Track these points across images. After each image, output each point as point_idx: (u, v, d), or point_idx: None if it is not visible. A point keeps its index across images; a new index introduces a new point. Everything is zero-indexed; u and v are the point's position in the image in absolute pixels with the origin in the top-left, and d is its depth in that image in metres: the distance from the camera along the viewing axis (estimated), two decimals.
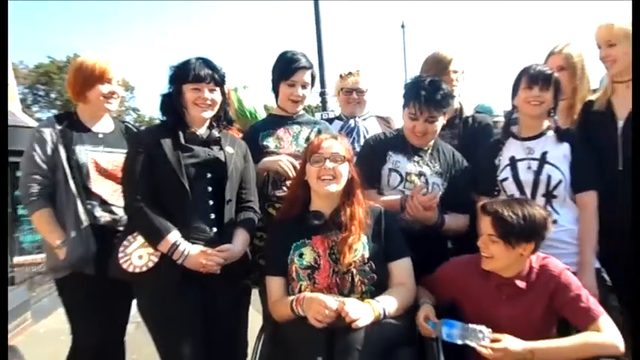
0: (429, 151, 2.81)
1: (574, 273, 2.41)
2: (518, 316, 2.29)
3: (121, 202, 2.62)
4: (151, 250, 2.42)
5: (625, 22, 2.64)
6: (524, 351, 2.14)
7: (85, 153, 2.73)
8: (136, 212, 2.43)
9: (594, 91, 3.09)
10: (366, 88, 3.55)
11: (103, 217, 2.72)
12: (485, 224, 2.27)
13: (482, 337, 2.15)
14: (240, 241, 2.56)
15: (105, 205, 2.73)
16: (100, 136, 2.83)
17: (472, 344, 2.15)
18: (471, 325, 2.18)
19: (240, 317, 2.76)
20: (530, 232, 2.24)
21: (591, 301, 2.25)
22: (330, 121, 3.60)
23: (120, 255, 2.44)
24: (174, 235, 2.39)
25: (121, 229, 2.63)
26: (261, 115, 3.49)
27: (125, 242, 2.46)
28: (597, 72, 3.13)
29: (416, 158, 2.79)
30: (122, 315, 2.89)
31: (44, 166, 2.67)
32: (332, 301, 2.15)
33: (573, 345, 2.18)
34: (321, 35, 11.51)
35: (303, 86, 2.98)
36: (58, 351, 2.95)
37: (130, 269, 2.42)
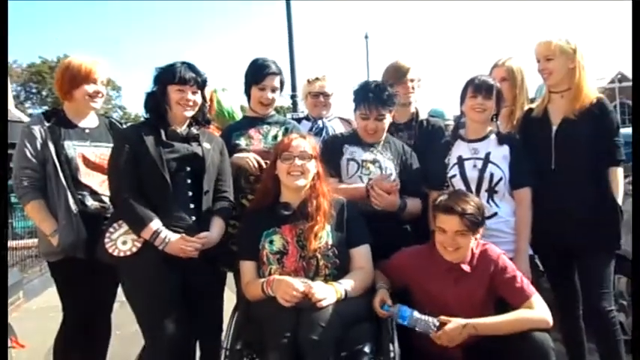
0: (381, 143, 2.84)
1: (511, 259, 2.47)
2: (463, 297, 2.34)
3: (108, 191, 2.60)
4: (134, 236, 2.41)
5: (561, 38, 2.70)
6: (467, 327, 2.19)
7: (73, 148, 2.68)
8: (121, 202, 2.42)
9: (532, 100, 3.16)
10: (331, 91, 3.56)
11: (94, 205, 2.67)
12: (453, 223, 2.28)
13: (430, 327, 2.21)
14: (216, 228, 2.55)
15: (95, 194, 2.69)
16: (87, 131, 2.78)
17: (421, 330, 2.22)
18: (421, 316, 2.23)
19: (216, 296, 2.75)
20: (483, 218, 2.37)
21: (525, 282, 2.32)
22: (299, 120, 3.59)
23: (106, 240, 2.42)
24: (155, 224, 2.38)
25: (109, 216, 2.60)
26: (238, 114, 3.47)
27: (111, 229, 2.44)
28: (534, 82, 3.21)
29: (370, 149, 2.82)
30: (108, 294, 2.85)
31: (34, 161, 2.62)
32: (299, 283, 2.17)
33: (510, 320, 2.24)
34: (293, 44, 11.50)
35: (273, 90, 2.97)
36: (48, 326, 2.91)
37: (115, 253, 2.40)
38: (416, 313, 2.24)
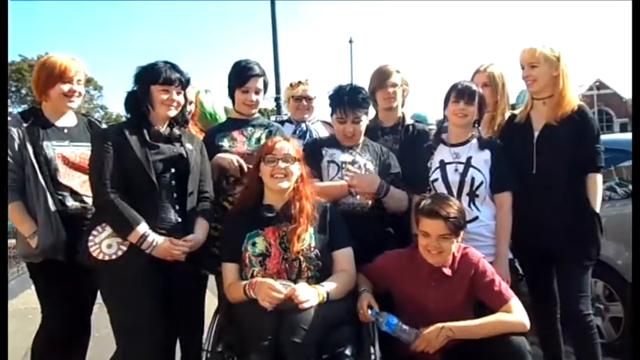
0: (360, 146, 2.85)
1: (490, 263, 2.50)
2: (443, 300, 2.36)
3: (89, 191, 2.56)
4: (119, 239, 2.37)
5: (545, 46, 2.73)
6: (445, 329, 2.21)
7: (52, 148, 2.63)
8: (106, 205, 2.36)
9: (513, 106, 3.20)
10: (314, 95, 3.56)
11: (74, 205, 2.63)
12: (437, 227, 2.30)
13: (412, 338, 2.24)
14: (201, 229, 2.54)
15: (75, 195, 2.65)
16: (65, 130, 2.72)
17: (403, 339, 2.24)
18: (406, 327, 2.25)
19: (198, 298, 2.73)
20: (465, 221, 2.39)
21: (503, 286, 2.35)
22: (282, 123, 3.59)
23: (90, 244, 2.37)
24: (142, 227, 2.34)
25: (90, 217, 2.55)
26: (221, 116, 3.45)
27: (94, 232, 2.39)
28: (516, 88, 3.25)
29: (349, 150, 2.83)
30: (89, 296, 2.80)
31: (12, 162, 2.54)
32: (280, 286, 2.17)
33: (488, 323, 2.26)
34: (278, 47, 11.53)
35: (256, 92, 2.97)
36: (25, 327, 2.86)
37: (100, 257, 2.35)
38: (401, 323, 2.26)
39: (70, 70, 2.68)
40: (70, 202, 2.62)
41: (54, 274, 2.61)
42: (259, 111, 3.14)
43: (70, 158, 2.66)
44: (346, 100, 2.76)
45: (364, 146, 2.86)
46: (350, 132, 2.78)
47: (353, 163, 2.79)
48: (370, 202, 2.73)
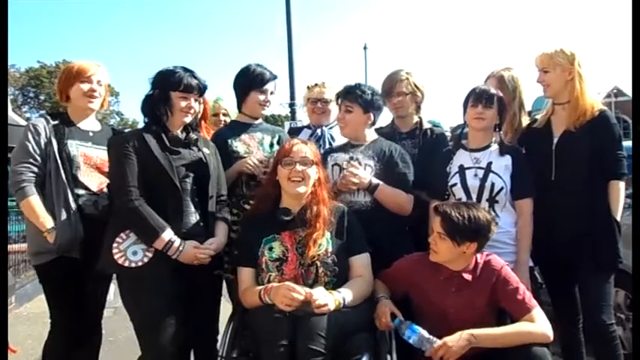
0: (365, 145, 2.82)
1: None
2: (463, 306, 2.31)
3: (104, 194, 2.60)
4: (144, 246, 2.35)
5: (557, 50, 2.69)
6: (468, 336, 2.16)
7: (76, 147, 2.66)
8: (131, 212, 2.32)
9: (529, 113, 3.15)
10: (330, 98, 3.50)
11: (87, 206, 2.63)
12: (436, 223, 2.31)
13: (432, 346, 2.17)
14: (222, 232, 2.55)
15: (90, 194, 2.65)
16: (90, 134, 2.75)
17: (423, 349, 2.18)
18: (429, 336, 2.19)
19: (215, 304, 2.72)
20: (474, 233, 2.27)
21: (527, 295, 2.29)
22: (300, 130, 3.57)
23: (114, 251, 2.34)
24: (168, 233, 2.33)
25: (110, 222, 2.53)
26: None
27: (118, 239, 2.36)
28: (533, 94, 3.21)
29: (351, 150, 2.82)
30: (100, 299, 2.80)
31: (37, 156, 2.57)
32: (299, 288, 2.15)
33: (510, 332, 2.21)
34: (292, 54, 11.56)
35: (272, 93, 3.01)
36: (40, 331, 2.86)
37: (127, 264, 2.33)
38: (425, 332, 2.20)
39: (88, 70, 2.71)
40: (84, 202, 2.62)
41: (64, 275, 2.59)
42: (273, 117, 3.15)
43: (92, 158, 2.69)
44: (344, 90, 2.83)
45: (370, 144, 2.83)
46: (339, 119, 2.82)
47: (351, 159, 2.76)
48: (369, 199, 2.69)
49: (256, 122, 3.04)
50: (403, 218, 2.78)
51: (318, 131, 3.45)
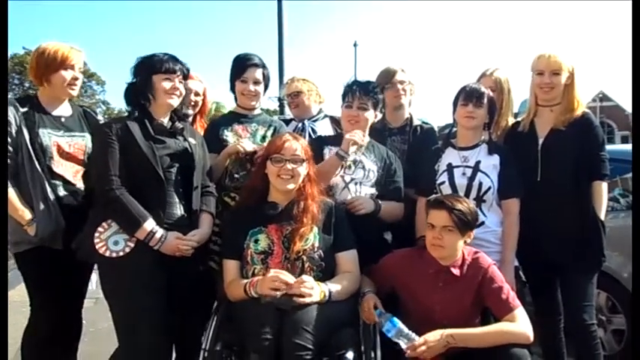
0: (365, 146, 2.80)
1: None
2: (449, 302, 2.32)
3: (81, 182, 2.57)
4: (126, 235, 2.32)
5: (563, 54, 2.73)
6: (444, 336, 2.16)
7: (48, 136, 2.56)
8: (112, 201, 2.29)
9: (516, 115, 3.18)
10: (299, 90, 3.50)
11: (66, 196, 2.57)
12: (441, 217, 2.29)
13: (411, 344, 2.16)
14: (207, 224, 2.52)
15: (68, 184, 2.59)
16: (62, 120, 2.66)
17: (401, 345, 2.16)
18: (408, 331, 2.18)
19: (199, 297, 2.69)
20: (474, 221, 2.35)
21: (511, 295, 2.30)
22: (288, 122, 3.54)
23: (95, 240, 2.30)
24: (150, 223, 2.30)
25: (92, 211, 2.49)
26: None
27: (100, 228, 2.32)
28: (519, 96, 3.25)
29: (354, 150, 2.77)
30: (80, 289, 2.77)
31: (9, 147, 2.47)
32: (287, 274, 2.18)
33: (490, 332, 2.22)
34: (283, 49, 11.50)
35: (255, 82, 2.93)
36: (20, 320, 2.81)
37: (107, 254, 2.29)
38: (404, 327, 2.19)
39: (72, 58, 2.63)
40: (62, 192, 2.57)
41: (46, 265, 2.55)
42: (262, 110, 3.11)
43: (64, 148, 2.60)
44: (356, 86, 2.77)
45: (370, 146, 2.82)
46: (354, 116, 2.74)
47: (355, 162, 2.74)
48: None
49: (254, 113, 3.00)
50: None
51: (299, 124, 3.44)
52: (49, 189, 2.49)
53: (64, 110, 2.71)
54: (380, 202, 2.69)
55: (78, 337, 2.84)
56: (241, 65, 2.93)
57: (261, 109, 3.13)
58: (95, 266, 2.53)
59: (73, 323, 2.80)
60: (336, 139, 2.82)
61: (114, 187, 2.29)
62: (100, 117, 3.00)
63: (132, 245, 2.31)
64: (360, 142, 2.65)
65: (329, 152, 2.77)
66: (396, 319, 2.21)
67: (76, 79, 2.66)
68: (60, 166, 2.58)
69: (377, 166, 2.77)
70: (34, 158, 2.49)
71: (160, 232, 2.32)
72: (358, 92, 2.74)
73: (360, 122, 2.76)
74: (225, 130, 2.90)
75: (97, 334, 3.50)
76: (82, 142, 2.62)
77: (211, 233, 2.62)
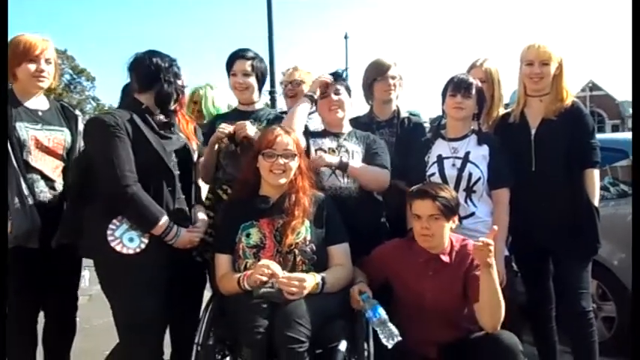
0: (345, 134, 2.82)
1: None
2: (440, 290, 2.35)
3: (61, 177, 2.54)
4: (139, 232, 2.29)
5: (552, 44, 2.74)
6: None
7: (25, 130, 2.47)
8: (130, 198, 2.24)
9: (506, 105, 3.19)
10: (301, 80, 3.46)
11: (44, 192, 2.51)
12: (426, 206, 2.31)
13: (390, 338, 2.15)
14: (204, 216, 2.55)
15: (46, 180, 2.53)
16: (40, 113, 2.58)
17: (380, 336, 2.16)
18: (389, 323, 2.18)
19: (197, 292, 2.71)
20: (457, 206, 2.39)
21: None
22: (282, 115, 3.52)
23: (110, 238, 2.25)
24: (165, 219, 2.30)
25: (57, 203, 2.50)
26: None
27: (112, 226, 2.27)
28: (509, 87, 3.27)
29: (336, 138, 2.80)
30: (67, 288, 2.71)
31: None
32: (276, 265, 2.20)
33: None
34: (273, 41, 11.46)
35: (245, 74, 2.89)
36: None
37: (124, 251, 2.25)
38: (385, 317, 2.19)
39: (36, 48, 2.51)
40: (40, 188, 2.50)
41: (22, 265, 2.46)
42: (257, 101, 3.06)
43: (43, 142, 2.53)
44: (330, 74, 2.81)
45: (351, 132, 2.84)
46: (334, 102, 2.75)
47: (339, 147, 2.75)
48: (357, 185, 2.68)
49: (255, 108, 2.97)
50: (382, 208, 2.81)
51: None
52: (24, 185, 2.42)
53: (40, 104, 2.63)
54: (349, 162, 2.67)
55: (72, 335, 2.82)
56: (230, 59, 2.92)
57: (265, 104, 3.09)
58: (85, 263, 2.52)
59: (67, 321, 2.77)
60: (319, 133, 2.86)
61: (130, 183, 2.24)
62: (89, 114, 2.95)
63: (146, 242, 2.29)
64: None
65: (314, 143, 2.77)
66: (380, 309, 2.21)
67: (42, 71, 2.55)
68: (38, 161, 2.51)
69: (360, 147, 2.77)
70: (11, 153, 2.41)
71: (175, 227, 2.32)
72: (334, 80, 2.79)
73: (341, 107, 2.78)
74: (221, 123, 2.84)
75: (92, 330, 3.49)
76: (60, 137, 2.57)
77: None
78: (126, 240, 2.28)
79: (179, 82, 2.45)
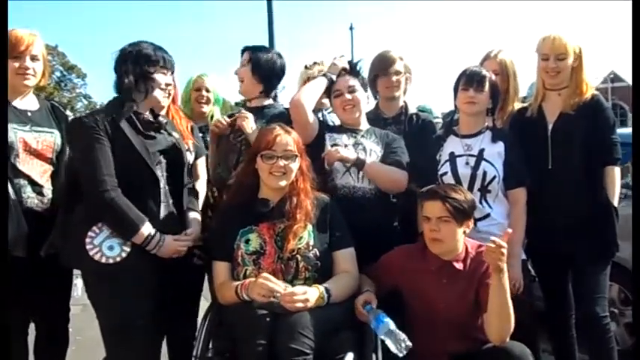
0: (364, 130, 2.80)
1: None
2: (453, 298, 2.32)
3: (49, 182, 2.50)
4: (120, 239, 2.25)
5: (569, 37, 2.70)
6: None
7: (13, 132, 2.45)
8: (107, 204, 2.21)
9: (524, 99, 3.15)
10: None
11: (31, 198, 2.49)
12: (435, 208, 2.28)
13: (400, 346, 2.11)
14: (197, 222, 2.50)
15: (34, 185, 2.50)
16: (29, 114, 2.55)
17: (390, 347, 2.13)
18: (396, 330, 2.14)
19: (192, 300, 2.68)
20: (470, 209, 2.33)
21: None
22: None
23: (88, 247, 2.23)
24: (147, 227, 2.25)
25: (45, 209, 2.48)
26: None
27: (91, 233, 2.24)
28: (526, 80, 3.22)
29: (353, 134, 2.77)
30: (58, 299, 2.68)
31: None
32: (277, 281, 2.15)
33: None
34: (273, 34, 11.44)
35: (242, 65, 2.88)
36: None
37: (103, 260, 2.22)
38: (391, 325, 2.15)
39: (20, 43, 2.48)
40: (27, 194, 2.48)
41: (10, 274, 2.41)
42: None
43: (31, 144, 2.51)
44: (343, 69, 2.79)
45: (370, 129, 2.81)
46: (348, 101, 2.73)
47: (356, 144, 2.72)
48: (373, 186, 2.66)
49: (263, 105, 2.92)
50: (397, 212, 2.79)
51: (319, 116, 3.35)
52: (11, 190, 2.40)
53: (29, 104, 2.61)
54: (365, 159, 2.65)
55: (65, 346, 2.80)
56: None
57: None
58: (77, 271, 2.50)
59: (59, 332, 2.75)
60: (336, 127, 2.85)
61: (108, 189, 2.21)
62: (80, 112, 2.93)
63: (128, 250, 2.25)
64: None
65: (330, 138, 2.75)
66: (385, 317, 2.17)
67: (27, 68, 2.51)
68: (26, 164, 2.49)
69: (379, 146, 2.75)
70: None
71: (157, 235, 2.27)
72: (345, 76, 2.76)
73: (356, 106, 2.75)
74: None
75: (85, 342, 3.48)
76: (50, 139, 2.54)
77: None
78: (105, 248, 2.24)
79: (150, 72, 2.35)
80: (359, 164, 2.61)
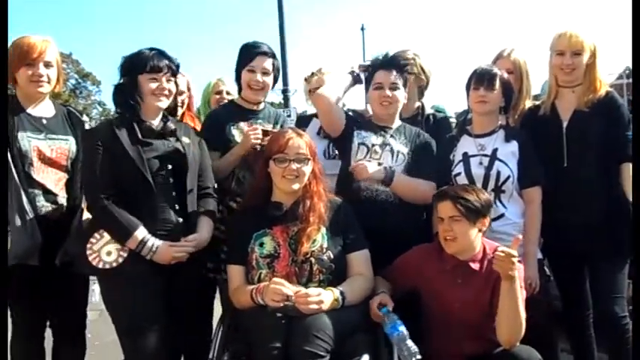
0: (394, 128, 2.77)
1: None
2: (469, 298, 2.31)
3: (64, 190, 2.54)
4: (118, 245, 2.31)
5: (584, 33, 2.69)
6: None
7: (27, 140, 2.46)
8: (101, 211, 2.30)
9: (536, 97, 3.14)
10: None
11: (45, 207, 2.51)
12: (446, 208, 2.29)
13: (410, 355, 2.10)
14: (206, 228, 2.49)
15: (48, 194, 2.53)
16: (44, 121, 2.56)
17: (399, 354, 2.13)
18: (408, 340, 2.13)
19: (205, 304, 2.69)
20: (485, 208, 2.31)
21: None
22: (308, 119, 3.39)
23: (88, 252, 2.31)
24: (141, 232, 2.29)
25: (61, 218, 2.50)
26: None
27: (92, 239, 2.32)
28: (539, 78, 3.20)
29: (382, 132, 2.75)
30: (74, 305, 2.71)
31: None
32: (290, 285, 2.16)
33: None
34: (285, 36, 11.47)
35: (264, 73, 2.84)
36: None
37: (100, 265, 2.30)
38: (405, 334, 2.14)
39: (33, 50, 2.49)
40: (41, 203, 2.50)
41: (22, 283, 2.46)
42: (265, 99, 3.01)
43: (45, 152, 2.52)
44: (385, 63, 2.73)
45: (400, 128, 2.79)
46: (386, 97, 2.69)
47: (383, 145, 2.71)
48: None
49: (259, 107, 2.93)
50: (421, 216, 2.78)
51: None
52: (25, 200, 2.41)
53: (45, 110, 2.61)
54: (395, 172, 2.63)
55: (83, 351, 2.83)
56: (249, 53, 2.84)
57: (265, 101, 3.02)
58: (95, 277, 2.54)
59: (77, 338, 2.78)
60: (366, 124, 2.82)
61: (100, 197, 2.29)
62: (96, 119, 2.96)
63: (125, 255, 2.30)
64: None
65: (358, 136, 2.74)
66: (400, 325, 2.16)
67: (41, 76, 2.52)
68: (40, 173, 2.51)
69: (407, 147, 2.73)
70: (12, 165, 2.41)
71: (150, 241, 2.30)
72: (388, 69, 2.71)
73: (394, 104, 2.73)
74: (232, 129, 2.82)
75: (103, 347, 3.52)
76: (65, 147, 2.56)
77: (218, 239, 2.59)
78: (103, 254, 2.31)
79: (137, 80, 2.38)
80: (387, 182, 2.61)
